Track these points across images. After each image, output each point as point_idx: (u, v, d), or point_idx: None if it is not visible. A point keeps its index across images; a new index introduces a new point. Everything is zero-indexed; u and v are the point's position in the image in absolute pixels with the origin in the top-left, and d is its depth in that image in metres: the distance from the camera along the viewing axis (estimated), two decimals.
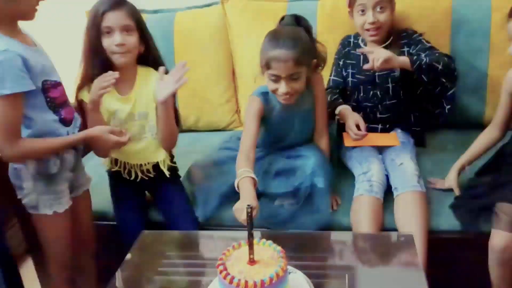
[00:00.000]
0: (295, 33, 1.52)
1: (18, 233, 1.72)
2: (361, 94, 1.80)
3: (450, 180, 1.60)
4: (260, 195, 1.58)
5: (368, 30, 1.73)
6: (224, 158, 1.71)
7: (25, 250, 1.87)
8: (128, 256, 1.32)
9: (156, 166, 1.61)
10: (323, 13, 2.00)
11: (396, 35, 1.78)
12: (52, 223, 1.44)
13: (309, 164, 1.57)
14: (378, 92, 1.78)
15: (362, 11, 1.72)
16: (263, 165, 1.63)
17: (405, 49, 1.76)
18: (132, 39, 1.48)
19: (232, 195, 1.51)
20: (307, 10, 1.98)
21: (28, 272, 1.80)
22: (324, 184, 1.54)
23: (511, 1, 1.80)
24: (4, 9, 1.26)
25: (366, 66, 1.62)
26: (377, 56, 1.56)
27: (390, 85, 1.76)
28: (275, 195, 1.59)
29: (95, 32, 1.45)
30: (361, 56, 1.81)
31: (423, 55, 1.64)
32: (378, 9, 1.71)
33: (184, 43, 2.15)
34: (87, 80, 1.48)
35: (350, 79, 1.83)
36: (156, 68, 1.54)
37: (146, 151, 1.60)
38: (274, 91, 1.54)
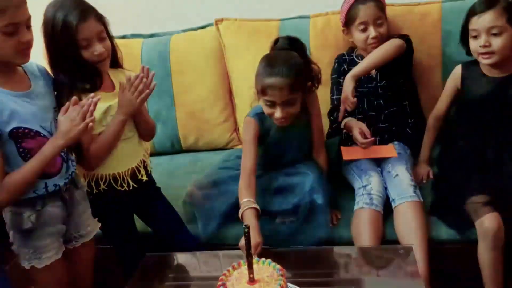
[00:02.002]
0: (290, 58, 1.53)
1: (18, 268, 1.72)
2: (365, 106, 1.83)
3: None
4: (261, 213, 1.60)
5: (370, 44, 1.79)
6: (224, 177, 1.73)
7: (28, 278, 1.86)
8: (131, 280, 1.34)
9: (139, 181, 1.58)
10: (315, 31, 2.04)
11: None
12: (36, 276, 1.37)
13: (307, 181, 1.59)
14: (381, 101, 1.81)
15: (364, 27, 1.77)
16: (262, 183, 1.65)
17: None
18: (108, 43, 1.46)
19: (233, 214, 1.53)
20: (299, 28, 2.02)
21: None
22: (323, 200, 1.55)
23: None
24: None
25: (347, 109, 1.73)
26: (345, 96, 1.70)
27: (391, 92, 1.80)
28: (275, 212, 1.60)
29: (71, 46, 1.38)
30: None
31: None
32: (378, 23, 1.77)
33: (181, 65, 2.18)
34: (73, 93, 1.41)
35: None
36: (116, 65, 1.55)
37: (133, 152, 1.57)
38: (270, 115, 1.56)
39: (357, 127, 1.70)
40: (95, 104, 1.30)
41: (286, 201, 1.59)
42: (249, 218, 1.43)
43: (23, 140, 1.27)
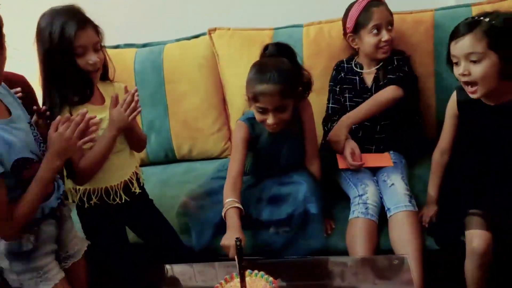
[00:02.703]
0: (280, 64, 1.54)
1: None
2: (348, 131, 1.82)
3: None
4: (254, 222, 1.59)
5: (381, 48, 1.79)
6: (217, 187, 1.72)
7: None
8: None
9: (132, 193, 1.57)
10: (308, 39, 2.04)
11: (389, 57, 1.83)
12: None
13: (301, 190, 1.58)
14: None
15: (377, 30, 1.77)
16: (256, 193, 1.65)
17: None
18: (102, 56, 1.47)
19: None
20: (292, 37, 2.02)
21: None
22: (317, 209, 1.55)
23: None
24: None
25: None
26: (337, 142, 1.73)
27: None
28: (269, 222, 1.59)
29: (67, 53, 1.38)
30: (357, 80, 1.85)
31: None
32: (388, 28, 1.78)
33: (174, 75, 2.17)
34: (63, 103, 1.42)
35: (348, 103, 1.85)
36: (106, 78, 1.55)
37: (125, 164, 1.56)
38: (262, 122, 1.56)
39: (349, 147, 1.70)
40: (88, 120, 1.26)
41: (279, 211, 1.58)
42: (231, 216, 1.45)
43: (22, 171, 1.21)
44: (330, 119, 1.87)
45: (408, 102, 1.81)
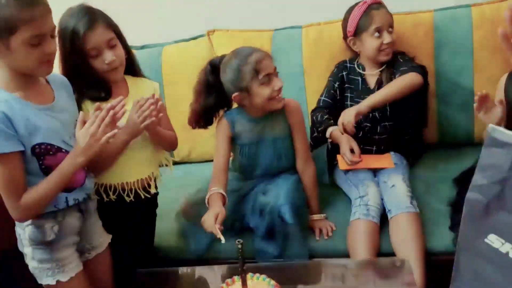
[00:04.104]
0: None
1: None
2: (360, 116, 1.81)
3: None
4: (250, 230, 1.60)
5: (383, 50, 1.78)
6: None
7: None
8: None
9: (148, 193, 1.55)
10: (308, 41, 2.03)
11: (392, 58, 1.82)
12: None
13: (279, 199, 1.55)
14: (377, 114, 1.79)
15: (379, 33, 1.76)
16: (250, 201, 1.64)
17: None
18: (120, 51, 1.43)
19: (224, 232, 1.50)
20: (291, 38, 2.02)
21: None
22: (292, 218, 1.51)
23: (491, 18, 1.84)
24: (7, 65, 1.20)
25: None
26: (346, 121, 1.66)
27: (387, 107, 1.77)
28: (261, 233, 1.57)
29: (80, 56, 1.37)
30: (360, 80, 1.84)
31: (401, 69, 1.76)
32: (389, 30, 1.77)
33: (173, 77, 2.16)
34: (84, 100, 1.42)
35: (349, 102, 1.84)
36: (135, 74, 1.53)
37: (144, 162, 1.53)
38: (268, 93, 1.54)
39: (348, 144, 1.68)
40: (116, 114, 1.25)
41: (263, 221, 1.56)
42: (213, 198, 1.50)
43: (44, 157, 1.23)
44: (321, 111, 1.86)
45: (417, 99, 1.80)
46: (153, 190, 1.56)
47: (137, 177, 1.51)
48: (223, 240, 1.31)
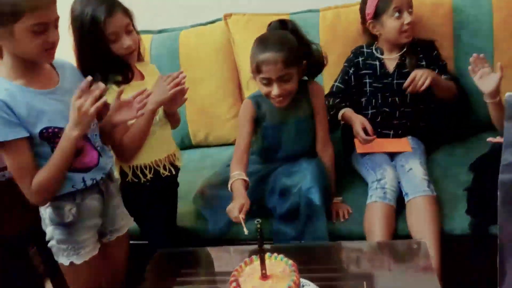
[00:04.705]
0: (281, 36, 1.55)
1: (37, 257, 1.75)
2: (379, 101, 1.80)
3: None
4: (268, 212, 1.61)
5: (405, 31, 1.76)
6: None
7: (44, 274, 1.89)
8: (145, 274, 1.34)
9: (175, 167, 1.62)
10: (325, 25, 2.02)
11: (412, 44, 1.80)
12: (73, 272, 1.37)
13: (305, 180, 1.56)
14: (397, 99, 1.78)
15: (399, 14, 1.74)
16: (269, 183, 1.65)
17: (422, 62, 1.80)
18: (135, 36, 1.47)
19: None
20: (308, 22, 2.01)
21: None
22: (320, 201, 1.53)
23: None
24: (8, 51, 1.21)
25: (408, 88, 1.65)
26: (421, 78, 1.61)
27: (408, 94, 1.75)
28: (279, 214, 1.59)
29: (100, 41, 1.40)
30: (378, 65, 1.83)
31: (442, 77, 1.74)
32: (409, 11, 1.75)
33: (190, 61, 2.17)
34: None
35: (368, 88, 1.83)
36: (139, 59, 1.57)
37: (169, 137, 1.61)
38: (267, 95, 1.56)
39: (359, 122, 1.67)
40: (105, 90, 1.27)
41: (287, 202, 1.57)
42: (237, 187, 1.50)
43: (55, 140, 1.25)
44: (333, 96, 1.85)
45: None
46: (179, 164, 1.63)
47: (166, 153, 1.58)
48: (246, 232, 1.32)
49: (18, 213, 1.44)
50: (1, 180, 1.44)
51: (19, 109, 1.20)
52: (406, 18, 1.74)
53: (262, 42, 1.54)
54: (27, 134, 1.21)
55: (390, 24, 1.76)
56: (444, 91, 1.72)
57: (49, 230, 1.34)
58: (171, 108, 1.53)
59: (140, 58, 1.57)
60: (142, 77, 1.54)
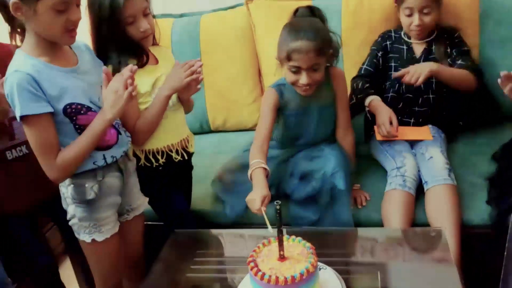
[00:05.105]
0: (314, 23, 1.53)
1: (57, 234, 1.79)
2: (403, 86, 1.78)
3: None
4: (286, 197, 1.61)
5: (413, 31, 1.75)
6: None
7: (63, 251, 1.93)
8: (161, 254, 1.36)
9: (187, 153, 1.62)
10: (347, 11, 2.00)
11: (440, 31, 1.78)
12: (94, 249, 1.40)
13: (329, 165, 1.56)
14: (422, 85, 1.75)
15: (409, 13, 1.73)
16: (288, 168, 1.65)
17: (448, 49, 1.78)
18: (151, 19, 1.47)
19: None
20: (331, 8, 1.97)
21: (67, 272, 1.85)
22: (345, 185, 1.52)
23: None
24: (35, 32, 1.22)
25: (406, 80, 1.64)
26: (414, 75, 1.60)
27: (433, 79, 1.72)
28: (299, 198, 1.59)
29: (118, 23, 1.39)
30: (405, 49, 1.81)
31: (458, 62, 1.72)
32: (424, 11, 1.72)
33: (210, 45, 2.17)
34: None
35: (392, 72, 1.81)
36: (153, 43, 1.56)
37: (182, 122, 1.61)
38: (294, 83, 1.54)
39: (387, 114, 1.66)
40: (135, 71, 1.28)
41: (308, 186, 1.57)
42: (257, 175, 1.44)
43: (76, 117, 1.27)
44: (362, 79, 1.84)
45: None
46: (191, 150, 1.63)
47: (179, 138, 1.57)
48: (271, 230, 1.21)
49: (30, 187, 1.49)
50: (18, 155, 1.47)
51: (45, 84, 1.22)
52: (415, 20, 1.71)
53: (294, 30, 1.51)
54: (51, 110, 1.23)
55: (402, 19, 1.77)
56: (453, 82, 1.69)
57: (71, 208, 1.36)
58: (185, 95, 1.53)
59: (154, 42, 1.56)
60: (156, 61, 1.54)
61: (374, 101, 1.74)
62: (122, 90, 1.24)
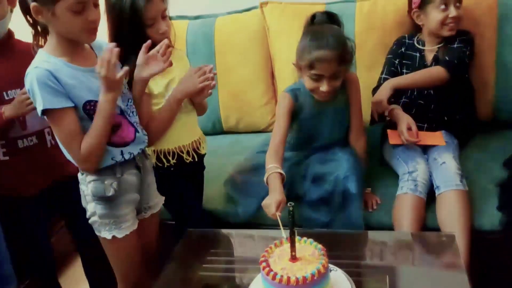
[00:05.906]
0: (336, 31, 1.54)
1: (67, 232, 1.82)
2: (415, 93, 1.79)
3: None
4: (298, 199, 1.62)
5: (447, 24, 1.75)
6: (262, 162, 1.72)
7: (74, 249, 1.96)
8: (174, 253, 1.38)
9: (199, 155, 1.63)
10: (361, 15, 2.01)
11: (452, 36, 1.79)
12: (115, 246, 1.41)
13: (341, 168, 1.57)
14: (432, 92, 1.77)
15: (445, 6, 1.73)
16: (300, 170, 1.66)
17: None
18: (169, 22, 1.50)
19: None
20: (344, 12, 1.98)
21: (77, 271, 1.88)
22: (357, 189, 1.54)
23: None
24: (57, 31, 1.27)
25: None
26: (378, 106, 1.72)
27: (444, 86, 1.73)
28: (311, 200, 1.60)
29: (139, 26, 1.43)
30: (418, 56, 1.82)
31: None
32: (457, 5, 1.74)
33: (225, 47, 2.20)
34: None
35: None
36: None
37: (195, 124, 1.64)
38: (314, 90, 1.56)
39: (406, 122, 1.67)
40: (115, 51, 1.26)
41: (321, 189, 1.58)
42: (273, 180, 1.45)
43: (93, 113, 1.30)
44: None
45: (464, 82, 1.78)
46: (203, 152, 1.65)
47: (190, 140, 1.60)
48: (284, 234, 1.19)
49: (38, 175, 1.55)
50: (29, 144, 1.53)
51: (65, 79, 1.26)
52: (452, 11, 1.72)
53: (317, 38, 1.51)
54: (72, 104, 1.27)
55: (434, 15, 1.75)
56: (419, 85, 1.75)
57: (91, 206, 1.38)
58: (197, 99, 1.55)
59: (169, 44, 1.58)
60: (170, 63, 1.52)
61: (394, 109, 1.74)
62: (110, 73, 1.25)
